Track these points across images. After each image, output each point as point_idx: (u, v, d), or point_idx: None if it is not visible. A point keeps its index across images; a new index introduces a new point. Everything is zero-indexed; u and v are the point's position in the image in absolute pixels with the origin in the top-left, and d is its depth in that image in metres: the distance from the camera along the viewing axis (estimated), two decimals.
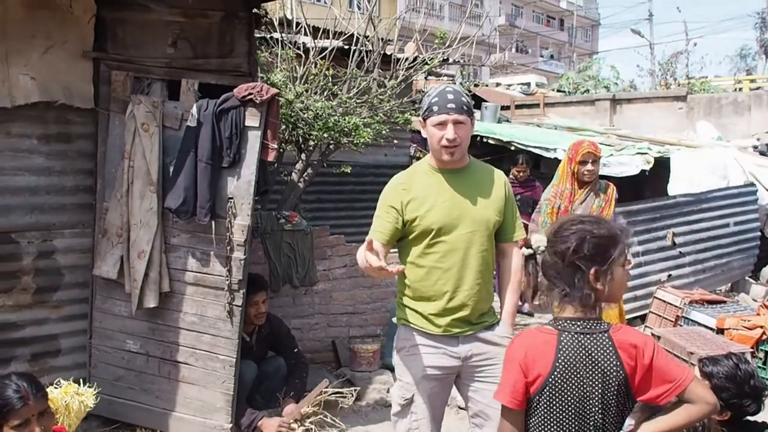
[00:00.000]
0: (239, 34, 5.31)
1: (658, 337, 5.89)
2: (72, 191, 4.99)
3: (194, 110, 4.71)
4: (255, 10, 5.50)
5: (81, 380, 4.36)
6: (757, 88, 17.60)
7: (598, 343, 2.29)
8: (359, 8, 8.14)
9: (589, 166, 5.55)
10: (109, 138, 4.90)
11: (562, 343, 2.30)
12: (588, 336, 2.30)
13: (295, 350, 5.42)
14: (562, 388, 2.28)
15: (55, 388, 4.12)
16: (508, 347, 2.42)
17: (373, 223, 3.46)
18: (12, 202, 4.75)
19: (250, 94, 4.66)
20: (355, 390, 5.32)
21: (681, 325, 6.71)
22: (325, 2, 8.29)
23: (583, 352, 2.28)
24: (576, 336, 2.30)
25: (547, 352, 2.29)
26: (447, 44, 7.87)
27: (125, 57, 4.99)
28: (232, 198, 4.71)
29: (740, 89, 18.12)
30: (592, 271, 2.30)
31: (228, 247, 4.71)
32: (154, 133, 4.77)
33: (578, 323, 2.32)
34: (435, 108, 3.30)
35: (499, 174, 3.51)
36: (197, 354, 4.84)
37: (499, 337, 3.40)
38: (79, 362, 5.08)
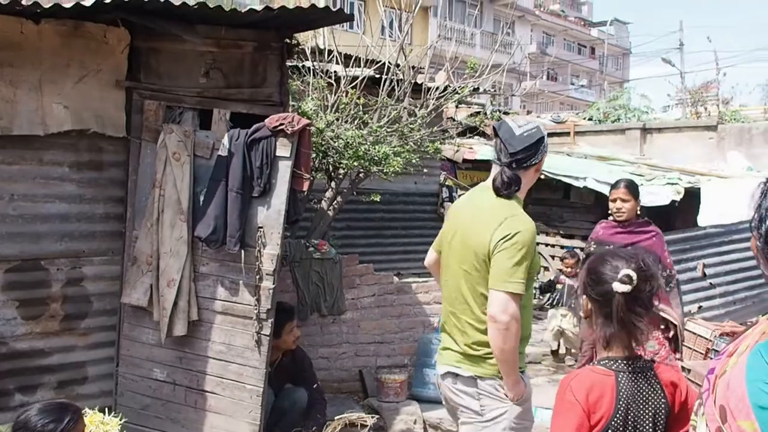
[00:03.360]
0: (271, 64, 5.33)
1: (689, 370, 5.78)
2: (102, 219, 5.01)
3: (225, 140, 4.73)
4: (287, 41, 5.52)
5: (107, 408, 4.38)
6: None
7: (649, 382, 2.32)
8: (391, 36, 8.13)
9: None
10: (141, 166, 4.93)
11: (621, 384, 2.29)
12: (640, 375, 2.31)
13: (315, 386, 5.35)
14: (623, 429, 2.27)
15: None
16: (562, 389, 2.34)
17: (520, 275, 3.09)
18: (42, 230, 4.77)
19: (281, 124, 4.66)
20: (374, 416, 5.26)
21: (711, 358, 6.58)
22: (358, 30, 8.31)
23: (638, 392, 2.29)
24: (631, 376, 2.30)
25: (607, 394, 2.28)
26: (478, 73, 7.87)
27: (158, 86, 5.02)
28: (261, 227, 4.71)
29: None
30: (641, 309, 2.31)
31: (257, 277, 4.70)
32: (185, 162, 4.78)
33: (631, 362, 2.33)
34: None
35: None
36: (224, 383, 4.81)
37: None
38: (105, 390, 5.07)
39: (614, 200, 5.46)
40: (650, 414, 2.27)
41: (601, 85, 46.73)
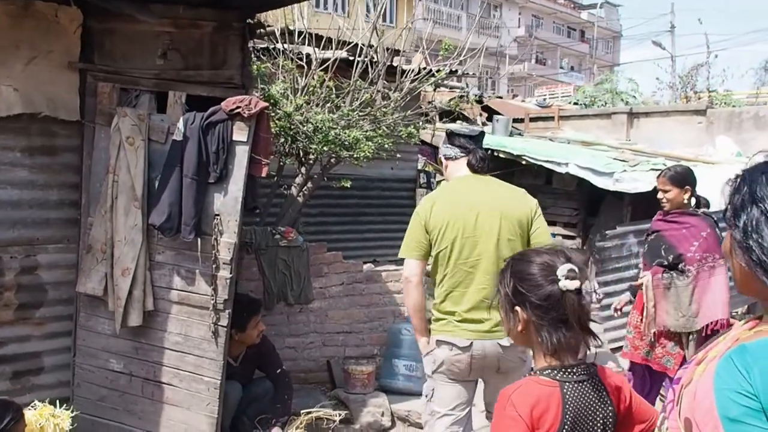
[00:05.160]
0: (232, 46, 5.16)
1: None
2: (56, 205, 4.86)
3: (180, 124, 4.57)
4: (249, 21, 5.36)
5: (60, 400, 4.25)
6: None
7: (596, 389, 2.11)
8: (384, 19, 7.95)
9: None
10: (95, 151, 4.77)
11: (567, 395, 2.07)
12: (587, 383, 2.11)
13: (278, 370, 5.23)
14: None
15: (29, 410, 4.00)
16: (502, 402, 2.14)
17: None
18: None
19: (238, 107, 4.51)
20: (341, 413, 5.14)
21: None
22: (342, 13, 8.14)
23: (586, 401, 2.08)
24: (577, 385, 2.09)
25: (552, 407, 2.06)
26: (457, 55, 7.72)
27: (112, 68, 4.86)
28: (218, 215, 4.56)
29: (765, 102, 17.78)
30: (587, 310, 2.14)
31: (213, 266, 4.56)
32: (139, 146, 4.63)
33: (576, 370, 2.11)
34: None
35: None
36: (181, 375, 4.68)
37: None
38: (62, 380, 4.94)
39: (658, 191, 5.33)
40: (599, 424, 2.09)
41: (591, 68, 46.57)
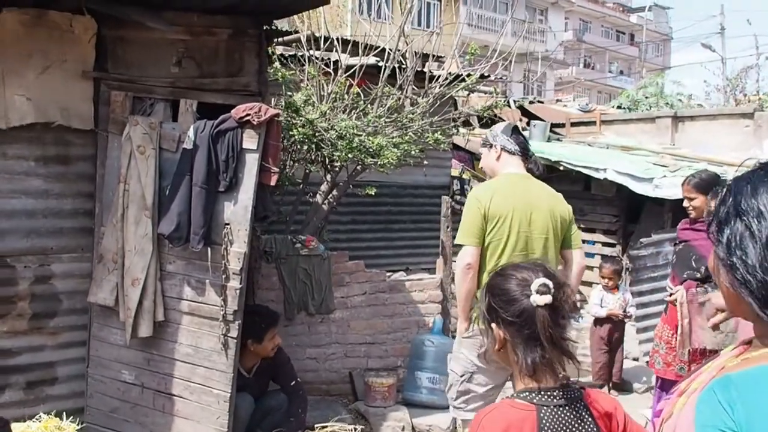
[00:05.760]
0: (248, 52, 5.10)
1: None
2: (71, 215, 4.83)
3: (191, 132, 4.51)
4: (266, 27, 5.29)
5: (74, 412, 4.21)
6: None
7: (578, 415, 1.94)
8: (420, 25, 7.85)
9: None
10: (107, 160, 4.74)
11: (543, 421, 1.91)
12: (568, 408, 1.95)
13: (293, 383, 5.12)
14: None
15: (34, 422, 3.97)
16: (474, 426, 2.00)
17: None
18: (7, 226, 4.61)
19: (247, 114, 4.43)
20: (358, 427, 5.01)
21: None
22: (386, 21, 7.97)
23: (565, 427, 1.92)
24: (555, 410, 1.93)
25: None
26: (502, 59, 7.57)
27: (126, 76, 4.82)
28: (228, 224, 4.48)
29: None
30: (561, 328, 1.99)
31: (223, 276, 4.48)
32: (150, 155, 4.58)
33: (555, 393, 1.96)
34: None
35: None
36: (191, 387, 4.61)
37: None
38: (76, 391, 4.90)
39: (684, 198, 5.14)
40: None
41: (640, 72, 45.78)
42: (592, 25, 51.61)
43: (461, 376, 4.05)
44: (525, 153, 4.24)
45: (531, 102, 16.29)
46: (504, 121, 10.69)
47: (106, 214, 4.73)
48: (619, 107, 17.77)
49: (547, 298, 1.94)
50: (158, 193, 4.59)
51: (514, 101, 14.90)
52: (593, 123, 15.01)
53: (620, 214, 11.29)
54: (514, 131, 4.27)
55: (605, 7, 52.88)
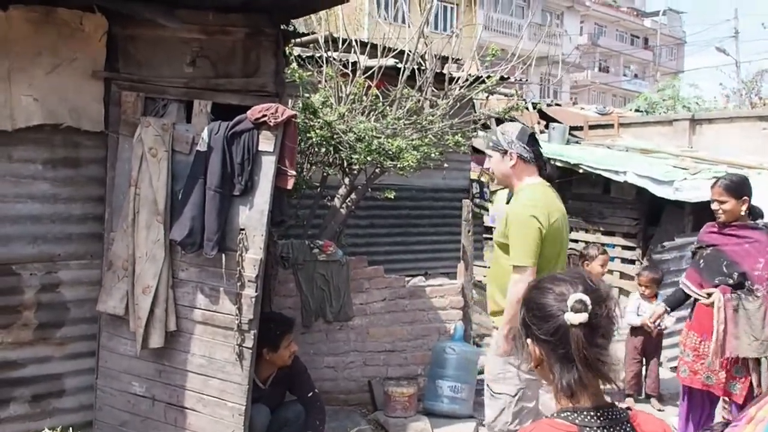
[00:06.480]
0: (265, 52, 4.91)
1: None
2: (79, 220, 4.65)
3: (205, 134, 4.32)
4: (283, 27, 5.10)
5: (82, 425, 4.03)
6: None
7: None
8: (438, 29, 7.68)
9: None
10: (118, 163, 4.56)
11: None
12: (612, 429, 1.76)
13: (310, 393, 4.93)
14: None
15: None
16: None
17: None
18: (12, 232, 4.42)
19: (264, 116, 4.24)
20: None
21: None
22: (389, 20, 7.83)
23: None
24: (599, 431, 1.76)
25: None
26: (520, 62, 7.37)
27: (138, 77, 4.64)
28: (243, 229, 4.29)
29: None
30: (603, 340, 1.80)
31: (238, 283, 4.28)
32: (162, 158, 4.39)
33: (600, 413, 1.78)
34: None
35: (514, 199, 3.99)
36: (205, 400, 4.42)
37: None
38: (85, 404, 4.72)
39: (712, 201, 4.90)
40: None
41: (654, 76, 45.46)
42: (607, 29, 51.41)
43: (514, 396, 3.80)
44: (541, 159, 4.07)
45: (549, 105, 16.09)
46: (520, 123, 10.52)
47: (116, 219, 4.55)
48: (636, 110, 17.54)
49: (583, 317, 1.74)
50: (170, 198, 4.40)
51: (533, 104, 14.71)
52: (611, 126, 14.83)
53: (640, 217, 11.07)
54: (531, 137, 4.02)
55: (620, 11, 52.66)
